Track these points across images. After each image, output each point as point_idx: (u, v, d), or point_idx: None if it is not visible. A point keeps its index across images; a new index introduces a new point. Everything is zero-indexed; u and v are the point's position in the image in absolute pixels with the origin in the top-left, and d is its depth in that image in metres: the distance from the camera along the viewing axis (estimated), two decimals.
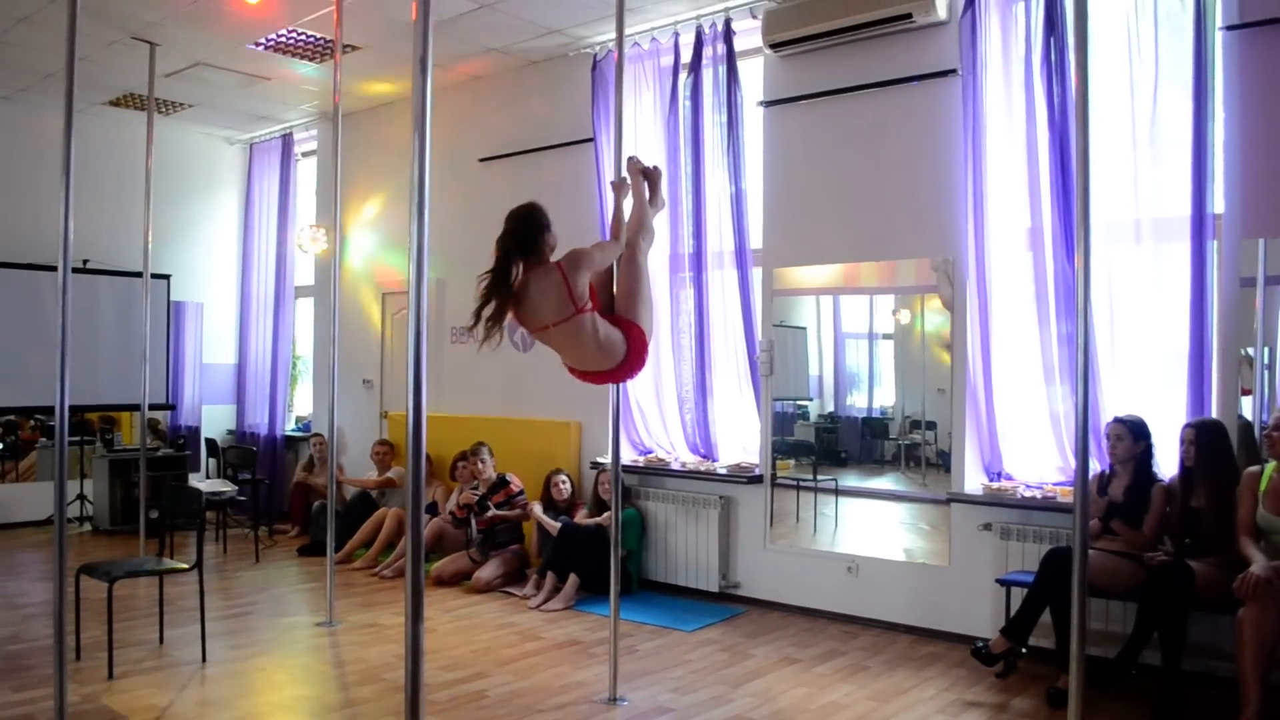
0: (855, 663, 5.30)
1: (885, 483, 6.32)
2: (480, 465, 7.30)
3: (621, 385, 4.62)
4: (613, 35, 5.70)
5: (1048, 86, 5.38)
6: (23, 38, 7.28)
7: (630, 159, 4.48)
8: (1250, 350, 4.91)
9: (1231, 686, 4.16)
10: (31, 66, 8.00)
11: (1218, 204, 4.94)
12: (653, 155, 6.98)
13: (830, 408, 6.68)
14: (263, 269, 10.27)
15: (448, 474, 7.85)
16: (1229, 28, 4.90)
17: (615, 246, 4.17)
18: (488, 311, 3.79)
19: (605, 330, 4.00)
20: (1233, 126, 4.90)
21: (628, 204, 4.43)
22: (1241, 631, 4.05)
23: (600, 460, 7.14)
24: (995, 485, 5.59)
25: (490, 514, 7.10)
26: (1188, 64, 4.96)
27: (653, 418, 7.12)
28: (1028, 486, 5.50)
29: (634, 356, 4.09)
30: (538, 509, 7.04)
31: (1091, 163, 3.21)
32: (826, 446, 6.58)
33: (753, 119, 6.65)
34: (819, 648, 5.57)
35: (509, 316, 3.86)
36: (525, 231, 3.93)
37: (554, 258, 3.97)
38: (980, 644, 4.94)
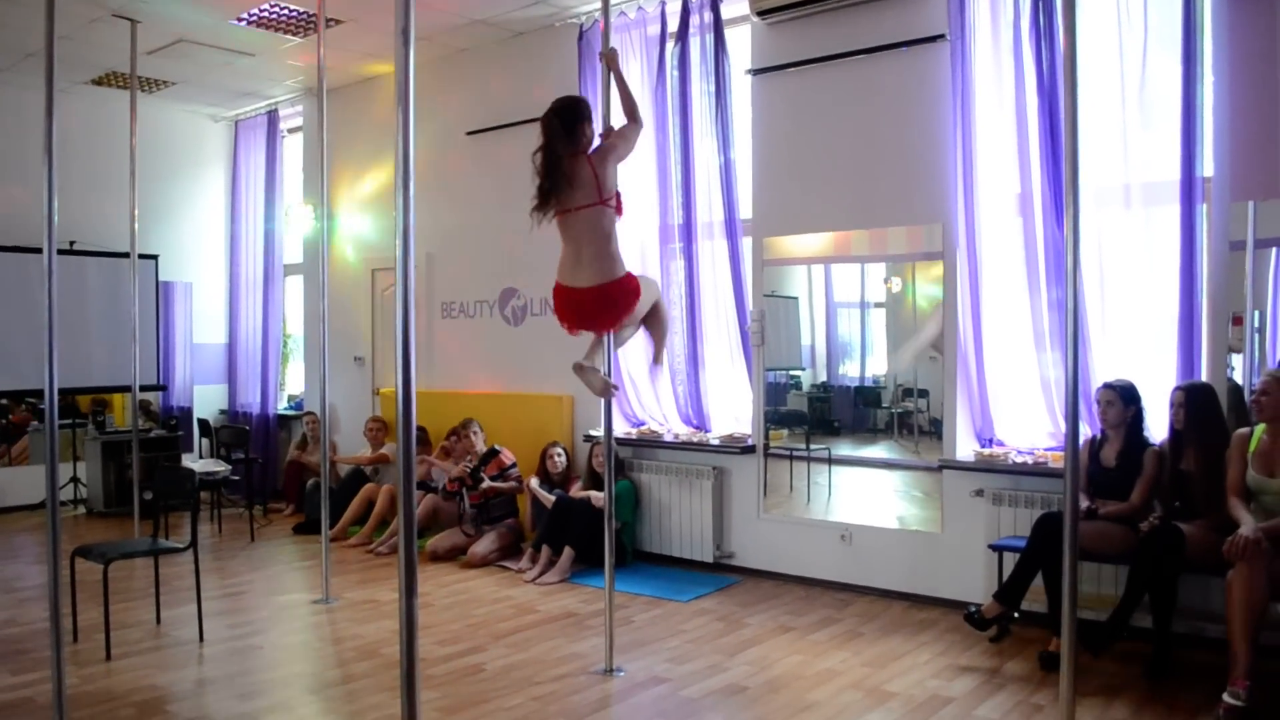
0: (850, 630, 5.33)
1: (878, 451, 6.34)
2: (471, 439, 7.32)
3: (613, 355, 4.61)
4: (598, 5, 5.65)
5: (1036, 51, 5.35)
6: (2, 17, 7.20)
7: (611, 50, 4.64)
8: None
9: (1221, 647, 4.19)
10: (12, 46, 7.91)
11: (1207, 167, 4.93)
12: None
13: (822, 377, 6.69)
14: (251, 247, 10.21)
15: (439, 448, 7.85)
16: None
17: (634, 129, 4.43)
18: (545, 195, 4.22)
19: (617, 242, 4.28)
20: (1221, 90, 4.89)
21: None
22: (1231, 593, 4.07)
23: (593, 433, 7.14)
24: (987, 452, 5.61)
25: (484, 485, 7.10)
26: (1176, 27, 4.94)
27: (645, 389, 7.13)
28: (1019, 452, 5.52)
29: (628, 285, 4.27)
30: (534, 482, 7.05)
31: (1080, 127, 3.19)
32: (819, 416, 6.59)
33: (741, 87, 6.61)
34: (813, 615, 5.61)
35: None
36: (565, 121, 4.24)
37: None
38: (973, 609, 4.97)
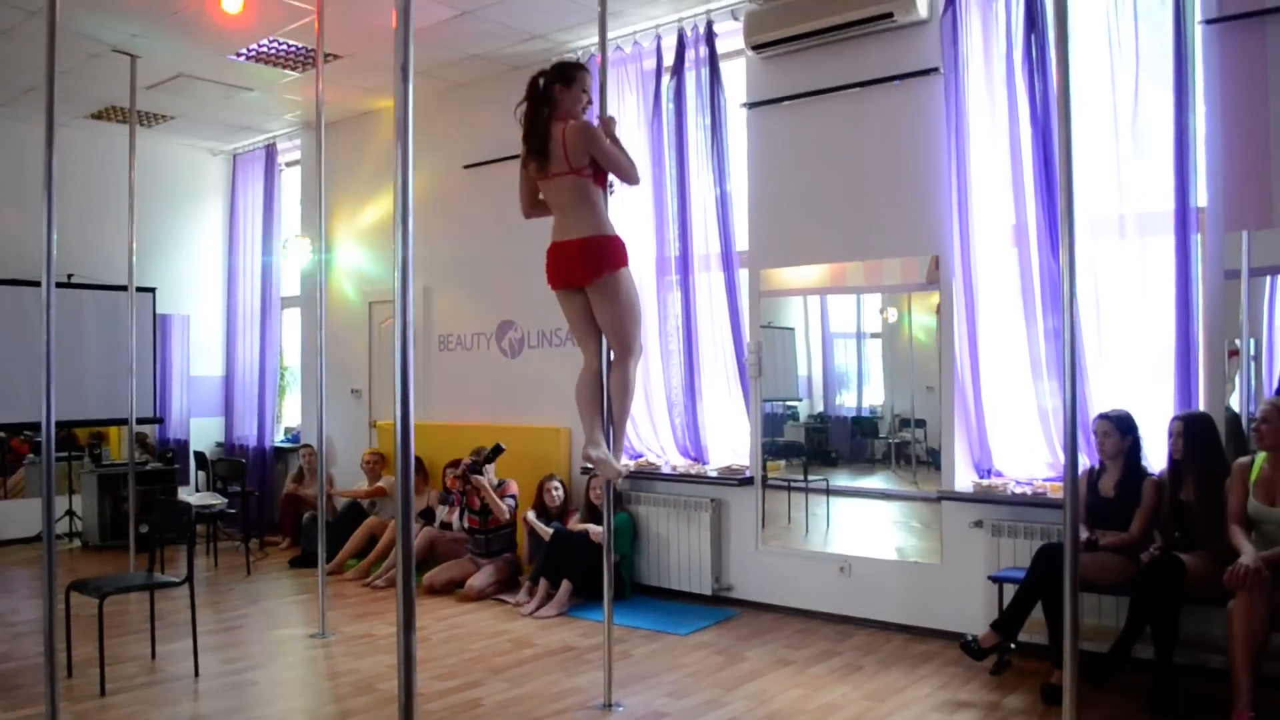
0: (849, 663, 5.30)
1: (876, 482, 6.33)
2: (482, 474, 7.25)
3: (607, 388, 4.57)
4: (595, 39, 5.68)
5: (1029, 83, 5.40)
6: (2, 52, 7.25)
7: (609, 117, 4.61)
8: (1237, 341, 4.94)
9: (1225, 678, 4.17)
10: (12, 81, 7.96)
11: (1200, 198, 4.96)
12: (637, 158, 6.97)
13: (820, 408, 6.69)
14: (248, 280, 10.23)
15: (440, 481, 7.82)
16: (1208, 21, 4.93)
17: (632, 170, 4.38)
18: (528, 151, 4.32)
19: (604, 209, 4.33)
20: (1214, 120, 4.93)
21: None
22: (1232, 622, 4.06)
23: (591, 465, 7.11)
24: (985, 482, 5.60)
25: (487, 477, 7.00)
26: (1168, 59, 4.99)
27: (642, 422, 7.12)
28: (1018, 483, 5.51)
29: (616, 243, 4.30)
30: (531, 515, 7.02)
31: (1074, 158, 3.21)
32: (816, 447, 6.59)
33: (736, 121, 6.65)
34: (813, 648, 5.58)
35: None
36: (546, 82, 4.32)
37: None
38: (970, 638, 4.94)
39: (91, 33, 6.88)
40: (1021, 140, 5.44)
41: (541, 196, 4.47)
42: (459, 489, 7.15)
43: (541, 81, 4.32)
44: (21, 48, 7.12)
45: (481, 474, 7.00)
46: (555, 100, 4.28)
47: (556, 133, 4.24)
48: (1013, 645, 4.93)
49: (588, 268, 4.27)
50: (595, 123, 4.42)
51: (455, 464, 7.47)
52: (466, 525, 7.14)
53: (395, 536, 7.51)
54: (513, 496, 7.17)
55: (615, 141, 4.43)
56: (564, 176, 4.26)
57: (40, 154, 3.73)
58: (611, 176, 4.40)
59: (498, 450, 7.02)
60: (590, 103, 4.42)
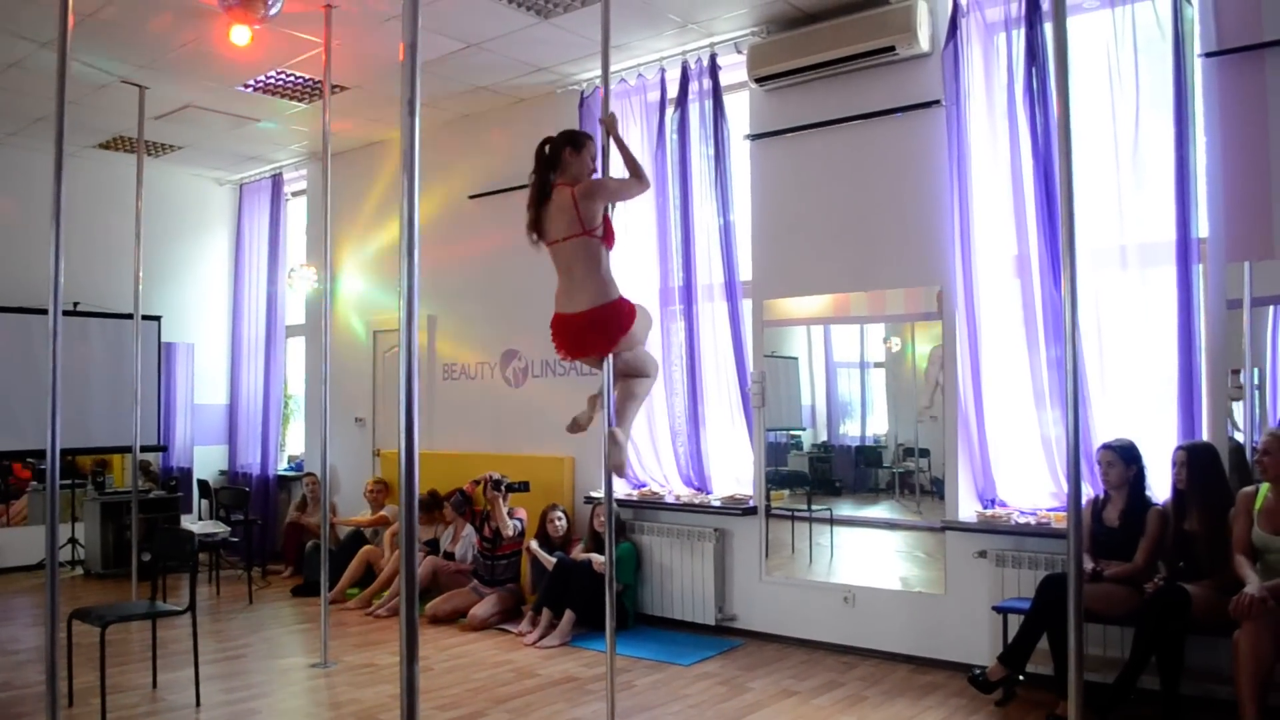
0: (854, 693, 5.27)
1: (880, 511, 6.32)
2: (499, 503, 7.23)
3: (612, 417, 4.58)
4: (599, 72, 5.73)
5: (1030, 115, 5.43)
6: (13, 82, 7.32)
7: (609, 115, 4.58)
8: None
9: (1231, 709, 4.15)
10: (22, 111, 8.03)
11: (1202, 228, 4.99)
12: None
13: (823, 437, 6.68)
14: (253, 309, 10.27)
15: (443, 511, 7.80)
16: (1208, 54, 4.97)
17: (637, 185, 4.31)
18: (532, 220, 4.26)
19: (609, 269, 4.21)
20: (1214, 151, 4.96)
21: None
22: (1238, 653, 4.04)
23: (594, 495, 7.12)
24: (989, 512, 5.59)
25: (504, 486, 7.00)
26: (1168, 91, 5.03)
27: (646, 451, 7.12)
28: (1021, 513, 5.50)
29: (623, 309, 4.20)
30: (534, 544, 7.01)
31: (1076, 189, 3.23)
32: (820, 476, 6.58)
33: (740, 152, 6.70)
34: (817, 679, 5.55)
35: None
36: (554, 147, 4.27)
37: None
38: (977, 671, 4.92)
39: (101, 64, 6.95)
40: (1023, 171, 5.47)
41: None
42: (471, 496, 7.11)
43: (549, 148, 4.28)
44: (32, 78, 7.20)
45: (500, 494, 7.01)
46: (564, 164, 4.23)
47: (564, 197, 4.16)
48: (1020, 677, 4.91)
49: (606, 338, 4.20)
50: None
51: (456, 493, 7.48)
52: (475, 548, 7.11)
53: (398, 566, 7.59)
54: (520, 519, 7.16)
55: (619, 141, 4.45)
56: (575, 239, 4.16)
57: (49, 183, 3.77)
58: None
59: (524, 486, 7.09)
60: (595, 171, 4.40)
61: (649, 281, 6.97)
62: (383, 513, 8.24)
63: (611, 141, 4.52)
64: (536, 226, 4.25)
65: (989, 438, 5.66)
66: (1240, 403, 4.91)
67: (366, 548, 8.01)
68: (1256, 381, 4.92)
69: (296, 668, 5.92)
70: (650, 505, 7.00)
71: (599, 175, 4.44)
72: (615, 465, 4.42)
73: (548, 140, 4.31)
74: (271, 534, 9.57)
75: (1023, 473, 5.59)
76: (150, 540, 6.81)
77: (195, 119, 8.33)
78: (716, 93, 6.62)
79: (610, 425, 4.33)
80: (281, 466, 10.15)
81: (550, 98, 7.65)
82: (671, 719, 4.88)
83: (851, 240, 6.20)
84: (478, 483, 7.10)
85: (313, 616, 6.86)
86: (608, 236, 4.23)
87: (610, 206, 4.30)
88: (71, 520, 9.09)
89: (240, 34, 6.05)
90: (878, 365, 6.46)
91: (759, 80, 6.38)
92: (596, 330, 4.18)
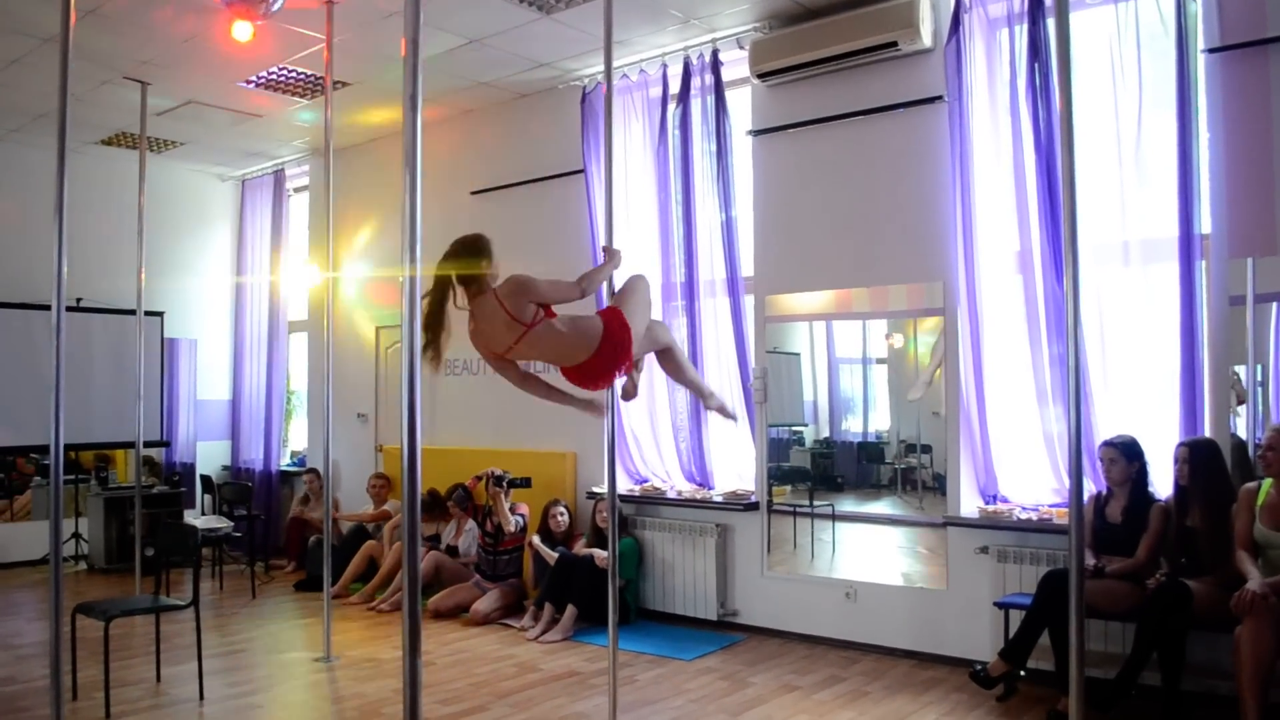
0: (855, 688, 5.28)
1: (881, 507, 6.32)
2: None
3: (616, 412, 4.60)
4: (601, 68, 5.74)
5: (1033, 111, 5.43)
6: (15, 79, 7.33)
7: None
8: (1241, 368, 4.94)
9: (1232, 705, 4.15)
10: (24, 107, 8.04)
11: (1205, 224, 4.98)
12: (643, 185, 7.03)
13: (825, 433, 6.69)
14: (256, 304, 10.28)
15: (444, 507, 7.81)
16: (1211, 50, 4.96)
17: (571, 289, 4.00)
18: (427, 342, 3.82)
19: (571, 323, 3.93)
20: (1217, 147, 4.96)
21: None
22: (1239, 649, 4.05)
23: (596, 490, 7.13)
24: (991, 508, 5.60)
25: (507, 481, 7.01)
26: (1171, 87, 5.02)
27: (648, 446, 7.12)
28: (1023, 509, 5.50)
29: (616, 332, 3.96)
30: (536, 539, 7.02)
31: (1078, 185, 3.23)
32: (822, 472, 6.59)
33: (742, 148, 6.70)
34: (818, 674, 5.56)
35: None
36: (462, 260, 3.94)
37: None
38: (979, 667, 4.93)
39: (103, 60, 6.95)
40: (1026, 167, 5.47)
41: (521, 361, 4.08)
42: (475, 498, 7.12)
43: (455, 262, 3.93)
44: (34, 74, 7.20)
45: (502, 489, 7.02)
46: (480, 276, 3.93)
47: (488, 305, 3.88)
48: (1022, 672, 4.92)
49: (620, 358, 4.01)
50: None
51: (458, 488, 7.49)
52: (478, 544, 7.13)
53: (398, 560, 7.60)
54: (522, 515, 7.17)
55: (609, 260, 4.37)
56: (524, 338, 3.86)
57: (51, 179, 3.77)
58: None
59: (526, 482, 7.10)
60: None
61: (651, 277, 6.92)
62: (385, 508, 8.25)
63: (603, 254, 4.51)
64: (438, 347, 3.86)
65: (991, 433, 5.66)
66: (1244, 403, 4.92)
67: (369, 543, 8.04)
68: (1259, 378, 4.92)
69: (299, 662, 5.94)
70: (652, 500, 7.01)
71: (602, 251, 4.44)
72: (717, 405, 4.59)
73: (452, 253, 3.96)
74: (274, 529, 9.58)
75: (1025, 469, 5.59)
76: (153, 535, 6.83)
77: (197, 115, 8.33)
78: (719, 88, 6.62)
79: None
80: (284, 462, 10.17)
81: (552, 93, 7.65)
82: (673, 714, 4.89)
83: (853, 236, 6.19)
84: (480, 479, 7.10)
85: (315, 611, 6.88)
86: (548, 309, 3.93)
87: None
88: (75, 515, 9.10)
89: (242, 30, 6.05)
90: (880, 361, 6.46)
91: (761, 76, 6.38)
92: (612, 363, 3.99)
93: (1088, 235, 5.10)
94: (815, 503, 6.51)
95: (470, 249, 3.98)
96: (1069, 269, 3.20)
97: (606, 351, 3.95)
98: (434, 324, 3.84)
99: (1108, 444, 4.94)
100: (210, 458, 10.39)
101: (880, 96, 6.06)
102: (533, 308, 3.86)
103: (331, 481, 6.47)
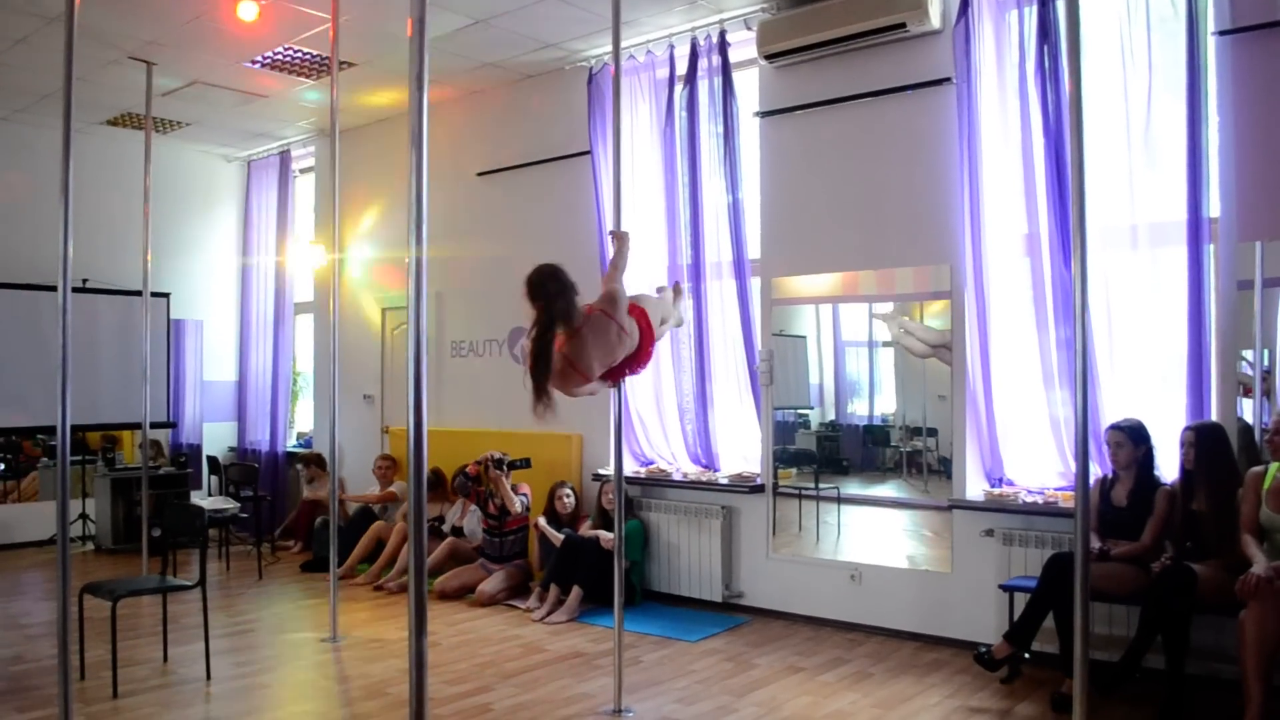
0: (859, 670, 5.30)
1: (887, 490, 6.32)
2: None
3: (622, 395, 4.65)
4: (608, 48, 5.72)
5: (1042, 93, 5.40)
6: (20, 59, 7.32)
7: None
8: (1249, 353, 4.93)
9: (1236, 689, 4.16)
10: (29, 87, 8.03)
11: (1213, 208, 4.96)
12: (649, 167, 7.01)
13: (831, 416, 6.68)
14: (262, 285, 10.30)
15: (449, 488, 7.83)
16: (1221, 33, 4.93)
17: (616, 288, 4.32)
18: (539, 389, 4.00)
19: (631, 326, 4.27)
20: (1227, 131, 4.93)
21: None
22: (1244, 632, 4.05)
23: (602, 472, 7.14)
24: (996, 491, 5.60)
25: (506, 463, 7.01)
26: (1181, 69, 4.99)
27: (654, 429, 7.13)
28: (1029, 492, 5.50)
29: (645, 339, 4.33)
30: (542, 521, 7.03)
31: (1087, 168, 3.22)
32: (828, 455, 6.59)
33: (749, 129, 6.67)
34: (823, 656, 5.57)
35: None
36: (562, 303, 4.01)
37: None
38: (983, 649, 4.94)
39: (108, 40, 6.93)
40: (1034, 150, 5.44)
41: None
42: (476, 477, 7.12)
43: (555, 306, 4.01)
44: (39, 54, 7.19)
45: (503, 472, 7.02)
46: (576, 310, 4.12)
47: (601, 328, 4.16)
48: (1026, 655, 4.93)
49: (646, 347, 4.39)
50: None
51: (462, 471, 7.49)
52: (482, 527, 7.15)
53: (400, 541, 7.62)
54: (525, 495, 7.17)
55: (621, 251, 4.60)
56: (623, 339, 4.26)
57: (56, 159, 3.76)
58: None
59: (525, 463, 7.08)
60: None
61: (657, 259, 6.96)
62: (391, 489, 8.28)
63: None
64: (546, 389, 4.06)
65: (997, 417, 5.65)
66: (1251, 385, 4.90)
67: (376, 523, 8.06)
68: (1266, 363, 4.90)
69: (306, 642, 5.97)
70: (658, 483, 7.01)
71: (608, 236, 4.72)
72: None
73: (546, 296, 4.00)
74: (281, 510, 9.61)
75: (1031, 452, 5.59)
76: (160, 516, 6.85)
77: (203, 95, 8.31)
78: (726, 70, 6.59)
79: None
80: (290, 443, 10.20)
81: (559, 74, 7.62)
82: (678, 695, 4.91)
83: (861, 218, 6.17)
84: (480, 463, 7.10)
85: (322, 592, 6.91)
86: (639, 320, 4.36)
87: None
88: (82, 496, 9.14)
89: (248, 9, 6.05)
90: (886, 344, 6.45)
91: (769, 57, 6.34)
92: (638, 353, 4.36)
93: (1096, 218, 5.07)
94: (821, 485, 6.51)
95: (557, 281, 4.03)
96: (1077, 252, 3.20)
97: (641, 354, 4.36)
98: (542, 371, 3.94)
99: (1114, 427, 4.93)
100: (216, 439, 10.42)
101: (888, 78, 6.03)
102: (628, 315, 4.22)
103: (337, 462, 6.49)
